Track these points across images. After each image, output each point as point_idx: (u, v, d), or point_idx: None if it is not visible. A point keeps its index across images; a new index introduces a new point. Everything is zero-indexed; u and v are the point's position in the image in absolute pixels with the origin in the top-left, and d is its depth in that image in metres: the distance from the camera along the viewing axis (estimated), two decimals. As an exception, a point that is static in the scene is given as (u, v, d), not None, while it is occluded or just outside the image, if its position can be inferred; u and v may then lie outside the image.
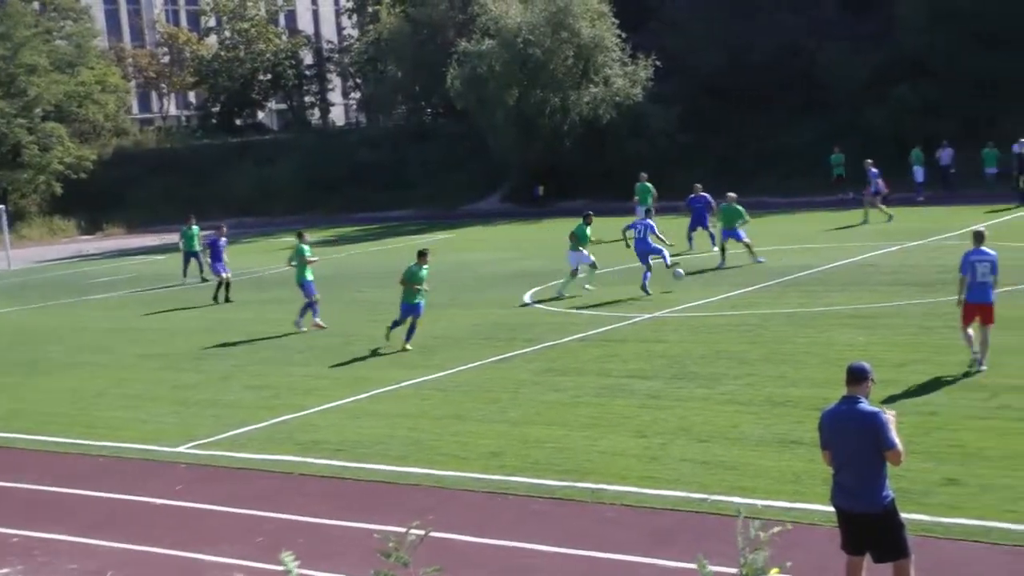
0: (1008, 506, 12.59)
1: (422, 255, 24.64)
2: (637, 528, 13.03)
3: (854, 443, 9.80)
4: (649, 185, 44.69)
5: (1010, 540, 11.75)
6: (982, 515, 12.34)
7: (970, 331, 18.64)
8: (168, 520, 14.84)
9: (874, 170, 41.55)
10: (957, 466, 13.95)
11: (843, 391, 10.16)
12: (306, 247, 28.99)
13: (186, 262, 41.64)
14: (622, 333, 24.56)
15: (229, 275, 35.00)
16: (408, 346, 24.10)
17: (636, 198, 44.64)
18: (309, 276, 28.44)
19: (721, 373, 19.74)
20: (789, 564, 8.87)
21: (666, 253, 30.20)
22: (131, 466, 17.61)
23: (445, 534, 12.23)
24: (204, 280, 39.65)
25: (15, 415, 21.66)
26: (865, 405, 9.89)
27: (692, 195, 39.17)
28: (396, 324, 24.61)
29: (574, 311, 27.57)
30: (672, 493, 13.97)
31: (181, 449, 18.14)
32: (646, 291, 28.69)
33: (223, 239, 35.88)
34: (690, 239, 38.05)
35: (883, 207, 41.10)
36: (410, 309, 24.38)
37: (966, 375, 18.18)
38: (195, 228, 41.31)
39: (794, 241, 38.43)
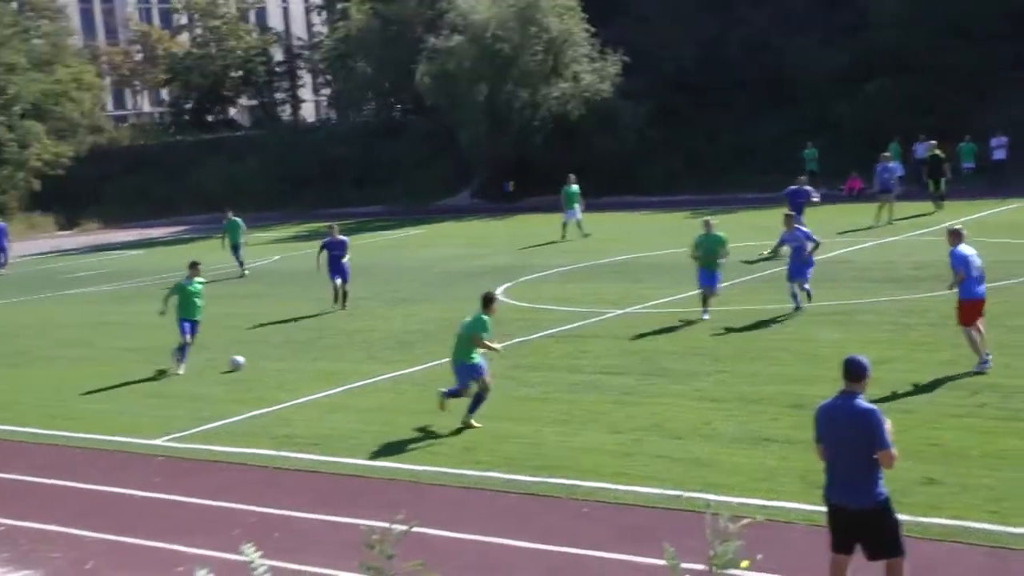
0: (988, 506, 12.59)
1: (489, 302, 18.02)
2: (610, 524, 13.10)
3: (849, 439, 9.73)
4: (575, 188, 43.43)
5: (990, 541, 11.77)
6: (961, 515, 12.34)
7: (976, 330, 18.40)
8: (147, 511, 14.94)
9: (891, 164, 40.60)
10: (936, 465, 13.93)
11: (835, 387, 10.03)
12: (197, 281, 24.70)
13: (236, 255, 39.65)
14: (593, 329, 24.63)
15: (339, 282, 30.30)
16: (474, 422, 17.61)
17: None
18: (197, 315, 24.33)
19: (694, 370, 19.84)
20: (760, 557, 8.96)
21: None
22: (110, 458, 17.72)
23: (420, 529, 12.24)
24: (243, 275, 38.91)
25: (-3, 408, 21.69)
26: (862, 402, 9.82)
27: (793, 187, 36.77)
28: (452, 393, 17.98)
29: (544, 307, 27.63)
30: (645, 489, 14.04)
31: (159, 442, 18.21)
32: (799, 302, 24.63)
33: (342, 240, 30.82)
34: None
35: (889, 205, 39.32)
36: (470, 371, 17.76)
37: (947, 374, 18.12)
38: (236, 220, 39.79)
39: (767, 237, 38.51)
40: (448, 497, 14.50)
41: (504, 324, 25.04)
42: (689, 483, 14.02)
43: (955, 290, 18.60)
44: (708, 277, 24.58)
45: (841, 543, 9.97)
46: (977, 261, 18.43)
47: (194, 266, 24.61)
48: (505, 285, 31.51)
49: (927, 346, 20.19)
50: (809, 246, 24.33)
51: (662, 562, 10.02)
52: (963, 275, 18.21)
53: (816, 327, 22.77)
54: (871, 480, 9.72)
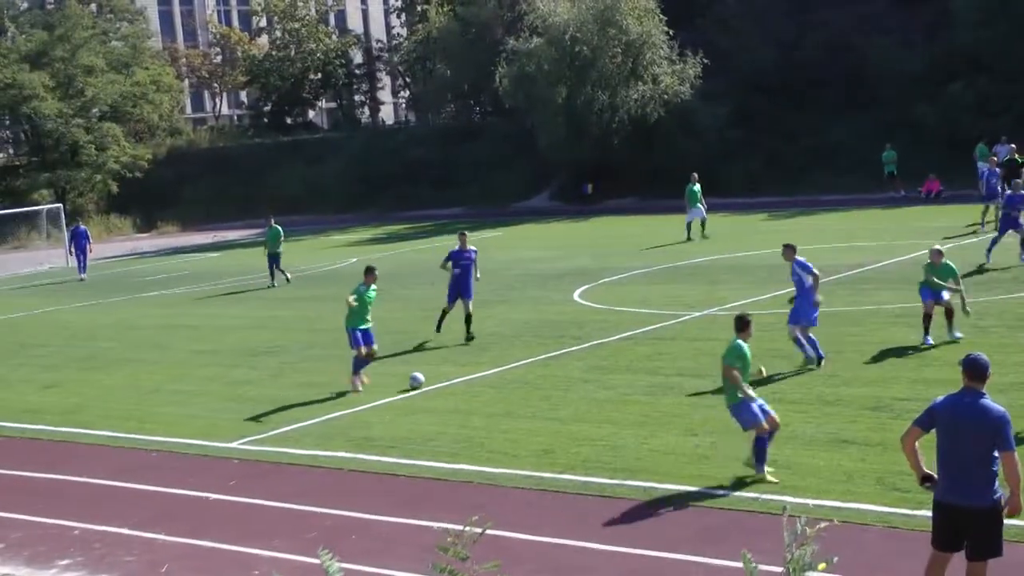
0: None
1: (744, 325, 15.28)
2: (687, 526, 13.08)
3: (972, 437, 9.64)
4: (698, 187, 42.44)
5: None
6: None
7: None
8: (222, 515, 15.05)
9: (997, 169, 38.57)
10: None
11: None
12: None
13: (271, 264, 38.25)
14: (671, 331, 24.57)
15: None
16: (769, 475, 14.44)
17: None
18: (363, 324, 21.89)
19: (772, 371, 19.70)
20: (836, 559, 8.90)
21: None
22: (185, 461, 17.86)
23: (497, 531, 12.30)
24: (287, 281, 37.90)
25: (74, 410, 21.96)
26: (991, 402, 9.74)
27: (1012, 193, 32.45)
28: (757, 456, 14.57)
29: (623, 309, 27.59)
30: (722, 492, 14.01)
31: (234, 445, 18.35)
32: None
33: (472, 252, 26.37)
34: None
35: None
36: (735, 412, 14.95)
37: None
38: (277, 228, 38.21)
39: (844, 239, 38.25)
40: (525, 499, 14.53)
41: (582, 326, 25.09)
42: (766, 486, 13.95)
43: None
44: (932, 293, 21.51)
45: (945, 540, 9.90)
46: None
47: (370, 272, 22.24)
48: (585, 287, 31.53)
49: (1005, 348, 19.92)
50: (808, 280, 20.54)
51: (739, 565, 10.01)
52: None
53: (894, 328, 22.57)
54: (988, 479, 9.64)
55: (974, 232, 35.95)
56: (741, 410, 14.59)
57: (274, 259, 38.21)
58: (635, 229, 46.04)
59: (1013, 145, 42.69)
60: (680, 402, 18.45)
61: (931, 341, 20.81)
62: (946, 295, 21.15)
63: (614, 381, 20.30)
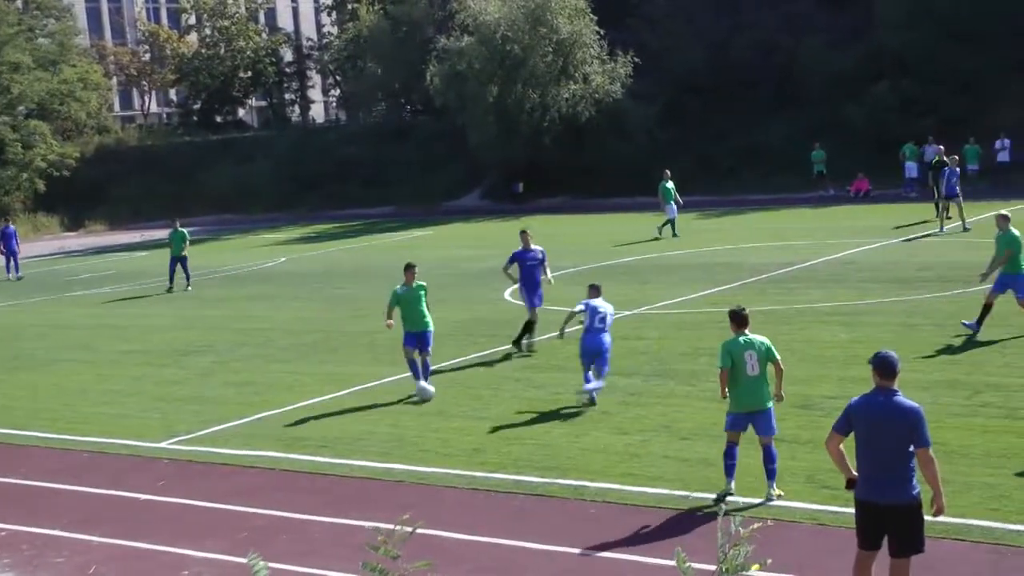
0: (989, 504, 12.68)
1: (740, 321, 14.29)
2: (619, 525, 13.08)
3: (889, 435, 9.72)
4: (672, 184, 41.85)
5: (992, 538, 11.84)
6: (963, 513, 12.39)
7: None
8: (152, 515, 14.88)
9: (958, 168, 37.80)
10: (939, 464, 13.97)
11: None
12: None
13: (173, 267, 37.29)
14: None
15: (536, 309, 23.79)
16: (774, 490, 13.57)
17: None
18: None
19: (702, 370, 19.79)
20: (769, 561, 8.94)
21: None
22: (115, 461, 17.66)
23: (429, 530, 12.27)
24: (187, 288, 36.91)
25: (1, 411, 21.62)
26: (904, 399, 9.85)
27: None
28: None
29: (553, 308, 27.58)
30: (653, 490, 14.05)
31: (164, 445, 18.17)
32: None
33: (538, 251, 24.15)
34: None
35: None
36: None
37: (950, 375, 18.25)
38: (182, 231, 37.52)
39: (774, 238, 38.57)
40: (458, 499, 14.49)
41: (513, 325, 25.03)
42: (697, 484, 14.02)
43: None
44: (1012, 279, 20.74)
45: (870, 538, 9.97)
46: None
47: (410, 268, 20.39)
48: (515, 286, 31.44)
49: (932, 346, 20.17)
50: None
51: (671, 563, 10.04)
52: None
53: (822, 328, 22.76)
54: (907, 476, 9.74)
55: (937, 231, 36.28)
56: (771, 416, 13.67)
57: (179, 261, 37.24)
58: (566, 228, 46.05)
59: (941, 147, 43.15)
60: (611, 401, 18.46)
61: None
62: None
63: (545, 380, 20.31)
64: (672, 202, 41.19)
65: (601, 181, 57.71)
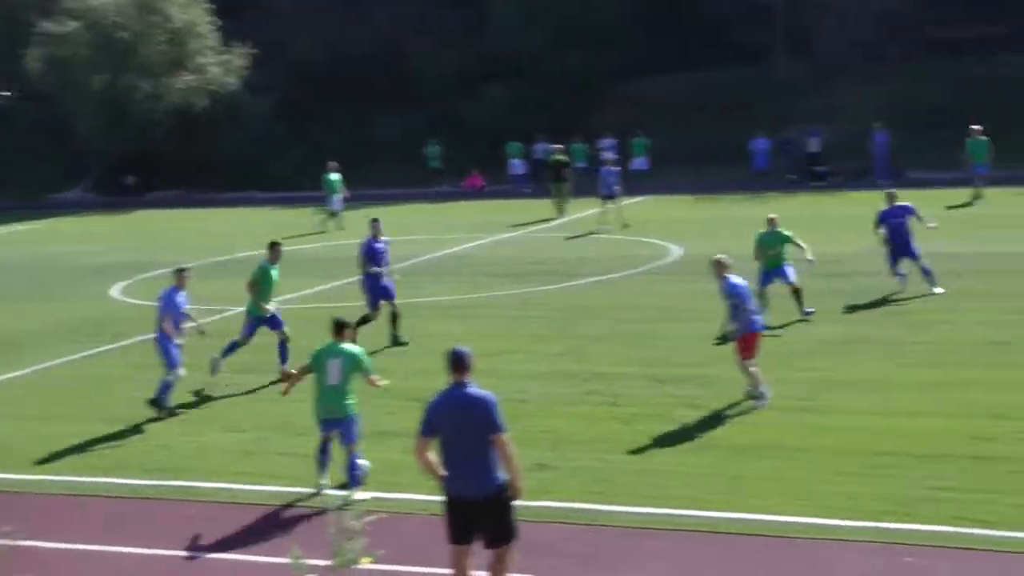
0: (593, 487, 13.20)
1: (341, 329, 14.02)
2: (230, 524, 12.76)
3: (466, 428, 9.74)
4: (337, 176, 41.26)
5: (593, 520, 12.26)
6: (570, 497, 12.85)
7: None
8: None
9: (616, 169, 37.10)
10: (548, 451, 14.44)
11: (447, 379, 10.04)
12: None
13: None
14: (218, 327, 24.00)
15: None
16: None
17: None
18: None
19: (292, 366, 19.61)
20: (382, 552, 8.87)
21: None
22: None
23: (27, 541, 11.54)
24: None
25: None
26: (477, 389, 9.89)
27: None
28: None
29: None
30: (267, 488, 13.81)
31: None
32: None
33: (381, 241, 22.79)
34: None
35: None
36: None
37: (560, 366, 18.78)
38: None
39: (391, 233, 38.74)
40: (61, 505, 13.80)
41: (121, 323, 24.18)
42: (311, 480, 13.81)
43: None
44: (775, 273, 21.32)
45: (462, 533, 9.97)
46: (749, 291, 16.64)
47: (275, 246, 19.69)
48: (124, 283, 30.41)
49: (542, 338, 20.76)
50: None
51: (283, 560, 9.85)
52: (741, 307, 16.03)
53: (436, 321, 23.02)
54: (490, 467, 9.77)
55: (604, 231, 36.03)
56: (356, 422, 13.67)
57: None
58: (179, 223, 44.92)
59: (560, 145, 44.24)
60: (225, 399, 18.08)
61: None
62: (792, 275, 21.20)
63: (154, 379, 19.58)
64: (337, 193, 40.82)
65: (216, 174, 56.64)
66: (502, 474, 9.82)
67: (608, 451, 14.37)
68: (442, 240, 35.25)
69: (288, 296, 25.64)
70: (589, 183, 45.69)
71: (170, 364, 17.34)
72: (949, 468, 13.04)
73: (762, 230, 21.51)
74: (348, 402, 13.54)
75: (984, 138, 38.06)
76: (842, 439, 14.29)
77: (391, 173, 53.99)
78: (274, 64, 59.24)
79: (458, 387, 9.92)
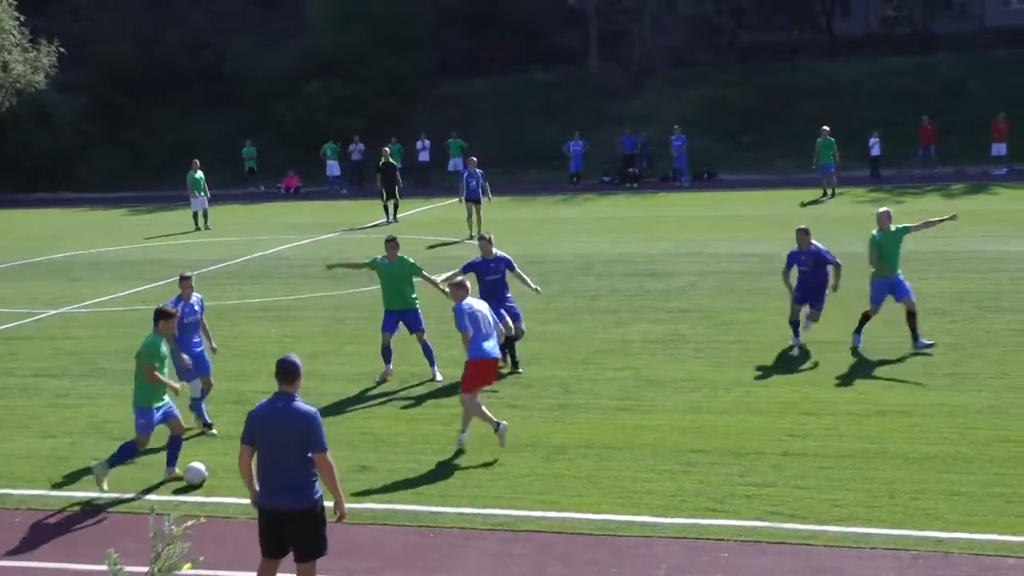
0: (413, 488, 13.27)
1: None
2: (50, 532, 12.51)
3: (286, 441, 9.59)
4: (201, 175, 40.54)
5: (413, 521, 12.29)
6: (390, 499, 12.91)
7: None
8: None
9: (478, 171, 35.06)
10: (368, 453, 14.47)
11: (273, 382, 9.87)
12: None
13: None
14: (26, 331, 23.46)
15: None
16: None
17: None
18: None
19: (132, 370, 19.26)
20: (202, 559, 8.81)
21: None
22: None
23: None
24: None
25: None
26: (302, 404, 9.71)
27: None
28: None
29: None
30: (81, 494, 13.54)
31: None
32: None
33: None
34: None
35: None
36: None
37: (377, 367, 18.72)
38: None
39: (208, 234, 38.35)
40: None
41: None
42: (128, 485, 13.61)
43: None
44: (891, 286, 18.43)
45: (274, 546, 9.83)
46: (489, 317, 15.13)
47: (392, 242, 18.54)
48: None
49: (359, 340, 20.77)
50: None
51: (99, 567, 9.69)
52: (470, 334, 14.75)
53: (253, 323, 22.87)
54: (307, 482, 9.66)
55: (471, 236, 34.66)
56: (143, 414, 13.68)
57: None
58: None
59: (387, 148, 43.73)
60: (37, 404, 17.67)
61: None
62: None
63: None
64: (200, 192, 40.02)
65: (24, 174, 55.12)
66: (318, 489, 9.74)
67: (429, 452, 14.45)
68: (257, 242, 34.95)
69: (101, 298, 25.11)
70: (408, 184, 45.88)
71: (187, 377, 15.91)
72: (762, 464, 13.45)
73: (874, 231, 18.58)
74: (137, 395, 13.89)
75: (831, 139, 39.95)
76: (659, 437, 14.61)
77: (207, 174, 53.18)
78: (85, 64, 57.90)
79: (283, 398, 9.75)
